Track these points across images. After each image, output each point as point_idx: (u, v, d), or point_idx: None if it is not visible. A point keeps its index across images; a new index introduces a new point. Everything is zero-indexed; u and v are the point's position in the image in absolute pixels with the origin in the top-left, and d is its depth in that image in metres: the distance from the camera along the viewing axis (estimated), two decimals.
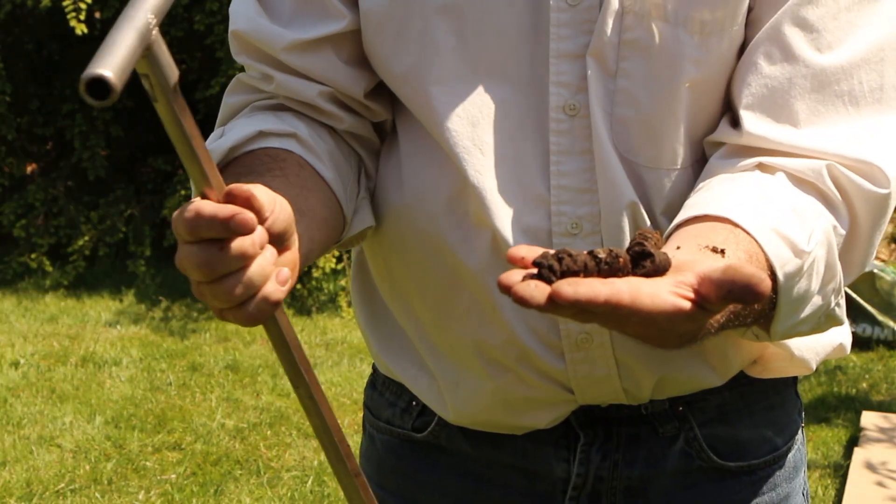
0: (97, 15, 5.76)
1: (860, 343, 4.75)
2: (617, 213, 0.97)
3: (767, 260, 0.82)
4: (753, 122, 0.94)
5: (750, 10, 0.97)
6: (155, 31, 0.64)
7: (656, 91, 0.96)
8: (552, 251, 0.68)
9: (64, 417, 3.98)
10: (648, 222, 0.98)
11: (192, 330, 5.05)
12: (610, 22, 0.95)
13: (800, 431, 1.17)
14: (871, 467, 3.50)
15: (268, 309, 0.74)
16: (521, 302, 0.64)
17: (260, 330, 5.03)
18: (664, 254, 0.71)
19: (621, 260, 0.69)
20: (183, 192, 5.47)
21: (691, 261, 0.72)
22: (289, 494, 3.43)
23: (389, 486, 1.18)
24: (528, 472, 1.10)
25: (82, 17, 5.05)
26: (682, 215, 0.87)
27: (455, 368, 1.07)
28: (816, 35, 0.94)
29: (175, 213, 0.73)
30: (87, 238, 5.67)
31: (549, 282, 0.66)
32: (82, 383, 4.35)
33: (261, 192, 0.73)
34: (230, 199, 0.72)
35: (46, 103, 6.05)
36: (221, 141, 0.98)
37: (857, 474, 3.46)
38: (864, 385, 4.41)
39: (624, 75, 0.96)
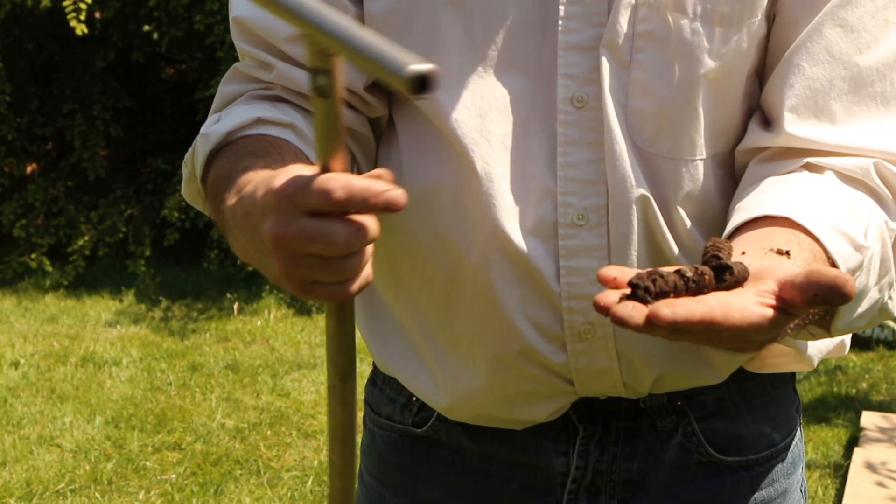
0: (97, 15, 5.77)
1: (860, 343, 4.75)
2: (626, 205, 0.97)
3: (829, 257, 0.84)
4: (797, 124, 0.96)
5: (773, 12, 0.98)
6: None
7: (673, 82, 0.97)
8: (644, 271, 0.72)
9: (64, 417, 3.98)
10: (659, 215, 0.98)
11: (192, 330, 5.05)
12: (624, 13, 0.95)
13: (798, 428, 1.18)
14: (871, 467, 3.50)
15: (364, 287, 0.74)
16: (620, 322, 0.68)
17: (260, 330, 5.03)
18: (742, 264, 0.75)
19: (707, 277, 0.73)
20: None
21: (769, 267, 0.75)
22: (289, 494, 3.43)
23: (390, 481, 1.18)
24: (528, 466, 1.10)
25: (82, 17, 5.05)
26: (739, 218, 0.89)
27: (456, 364, 1.07)
28: (856, 35, 0.96)
29: (297, 182, 0.70)
30: (87, 238, 5.67)
31: (645, 302, 0.70)
32: (82, 383, 4.35)
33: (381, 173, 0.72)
34: (374, 176, 0.71)
35: (46, 103, 6.05)
36: (219, 125, 0.98)
37: (857, 474, 3.46)
38: (864, 385, 4.41)
39: (638, 67, 0.96)
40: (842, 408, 4.17)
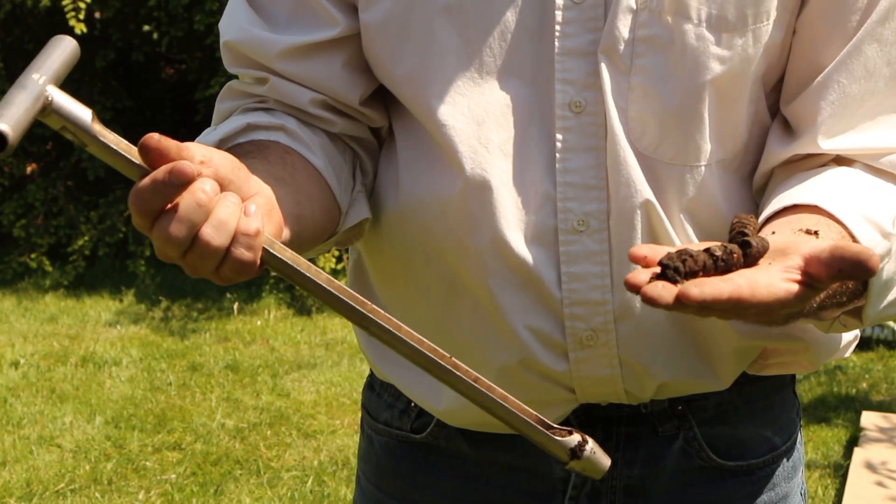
0: (97, 15, 5.77)
1: (860, 343, 4.74)
2: (630, 210, 0.97)
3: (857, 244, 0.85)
4: (829, 138, 0.98)
5: (795, 27, 0.99)
6: (48, 88, 0.69)
7: (677, 88, 0.96)
8: (674, 250, 0.74)
9: (64, 417, 3.98)
10: (665, 220, 0.98)
11: (192, 330, 5.05)
12: (623, 19, 0.95)
13: (798, 431, 1.18)
14: (871, 467, 3.50)
15: (253, 243, 0.75)
16: (651, 301, 0.70)
17: (260, 330, 5.03)
18: (761, 237, 0.78)
19: (735, 255, 0.76)
20: None
21: (794, 242, 0.78)
22: (289, 494, 3.43)
23: (388, 487, 1.18)
24: (528, 472, 1.10)
25: (81, 16, 5.05)
26: (771, 208, 0.91)
27: None
28: (889, 49, 0.98)
29: (132, 218, 0.75)
30: (86, 238, 5.67)
31: (674, 282, 0.72)
32: (82, 383, 4.35)
33: (190, 145, 0.75)
34: (154, 160, 0.73)
35: None
36: (211, 135, 0.98)
37: (857, 474, 3.46)
38: (864, 385, 4.41)
39: (639, 72, 0.96)
40: (842, 408, 4.17)
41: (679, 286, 0.71)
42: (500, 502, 1.11)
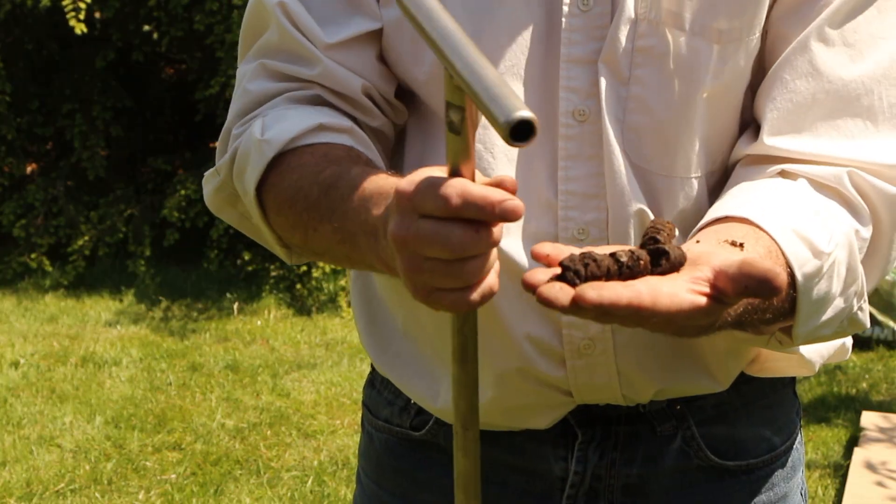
0: (97, 15, 5.76)
1: (860, 343, 4.75)
2: (624, 220, 0.97)
3: (786, 259, 0.83)
4: (775, 136, 0.95)
5: (765, 27, 0.98)
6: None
7: (671, 99, 0.96)
8: (577, 252, 0.70)
9: (64, 417, 3.98)
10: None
11: (192, 330, 5.05)
12: (623, 29, 0.94)
13: (798, 431, 1.17)
14: (871, 467, 3.50)
15: (489, 296, 0.73)
16: (546, 303, 0.67)
17: (260, 330, 5.03)
18: (678, 248, 0.73)
19: (642, 262, 0.71)
20: (182, 192, 5.47)
21: (707, 253, 0.74)
22: (289, 494, 3.43)
23: (388, 484, 1.18)
24: (526, 471, 1.10)
25: (82, 16, 5.04)
26: (705, 219, 0.88)
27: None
28: (840, 50, 0.96)
29: (418, 185, 0.71)
30: (86, 238, 5.67)
31: (573, 284, 0.68)
32: (82, 383, 4.35)
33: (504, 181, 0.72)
34: (495, 184, 0.70)
35: (46, 103, 6.04)
36: (276, 132, 0.95)
37: (857, 474, 3.46)
38: (864, 385, 4.41)
39: (637, 82, 0.96)
40: (842, 408, 4.17)
41: (577, 289, 0.67)
42: (499, 500, 1.11)
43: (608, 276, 0.70)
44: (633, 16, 0.94)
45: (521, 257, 0.98)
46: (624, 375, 1.02)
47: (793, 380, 1.17)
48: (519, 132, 0.62)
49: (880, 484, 3.39)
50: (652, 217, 0.97)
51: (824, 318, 0.89)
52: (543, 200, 0.98)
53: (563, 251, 0.71)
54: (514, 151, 0.98)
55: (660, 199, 0.98)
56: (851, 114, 0.96)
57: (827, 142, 0.95)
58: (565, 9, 0.95)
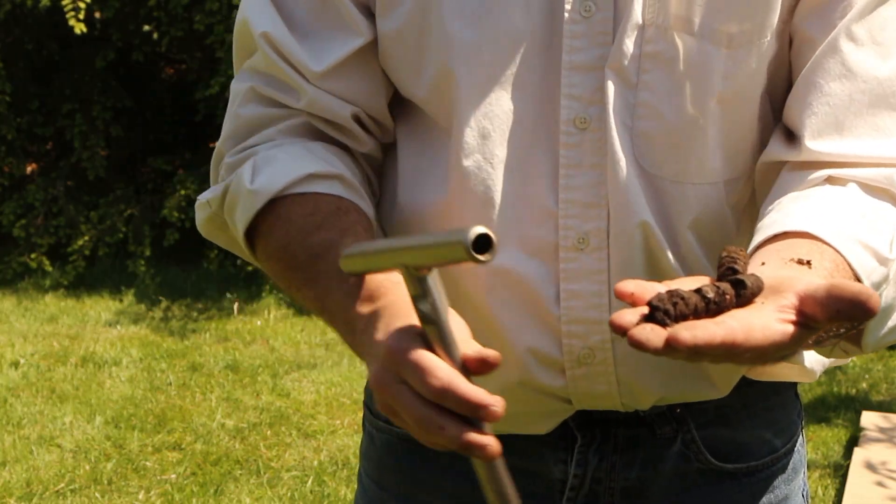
0: (97, 15, 5.76)
1: None
2: (628, 230, 0.96)
3: (853, 271, 0.82)
4: (817, 141, 0.94)
5: (789, 33, 0.97)
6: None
7: (681, 104, 0.95)
8: (663, 290, 0.70)
9: (64, 417, 3.98)
10: (663, 239, 0.96)
11: (192, 330, 5.05)
12: (630, 34, 0.94)
13: (799, 433, 1.17)
14: (871, 467, 3.50)
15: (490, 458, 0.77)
16: (638, 346, 0.66)
17: (260, 330, 5.03)
18: (754, 276, 0.73)
19: (727, 297, 0.71)
20: (182, 192, 5.47)
21: (788, 279, 0.73)
22: (289, 494, 3.43)
23: (388, 484, 1.18)
24: (526, 473, 1.10)
25: (81, 16, 5.04)
26: (761, 235, 0.87)
27: None
28: (870, 49, 0.95)
29: (405, 355, 0.74)
30: (86, 238, 5.67)
31: (664, 324, 0.67)
32: (82, 383, 4.35)
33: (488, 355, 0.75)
34: (478, 358, 0.74)
35: (46, 103, 6.04)
36: (268, 181, 0.96)
37: (857, 474, 3.46)
38: (864, 385, 4.41)
39: (645, 88, 0.95)
40: (842, 408, 4.17)
41: (668, 329, 0.66)
42: None
43: (696, 313, 0.69)
44: (640, 21, 0.93)
45: (521, 265, 0.97)
46: (623, 384, 1.01)
47: (795, 382, 1.17)
48: (480, 245, 0.67)
49: (880, 484, 3.39)
50: (654, 226, 0.96)
51: (890, 324, 0.88)
52: (544, 209, 0.97)
53: (646, 289, 0.70)
54: (514, 163, 0.97)
55: (670, 206, 0.97)
56: (889, 110, 0.95)
57: (870, 142, 0.95)
58: (566, 15, 0.94)
